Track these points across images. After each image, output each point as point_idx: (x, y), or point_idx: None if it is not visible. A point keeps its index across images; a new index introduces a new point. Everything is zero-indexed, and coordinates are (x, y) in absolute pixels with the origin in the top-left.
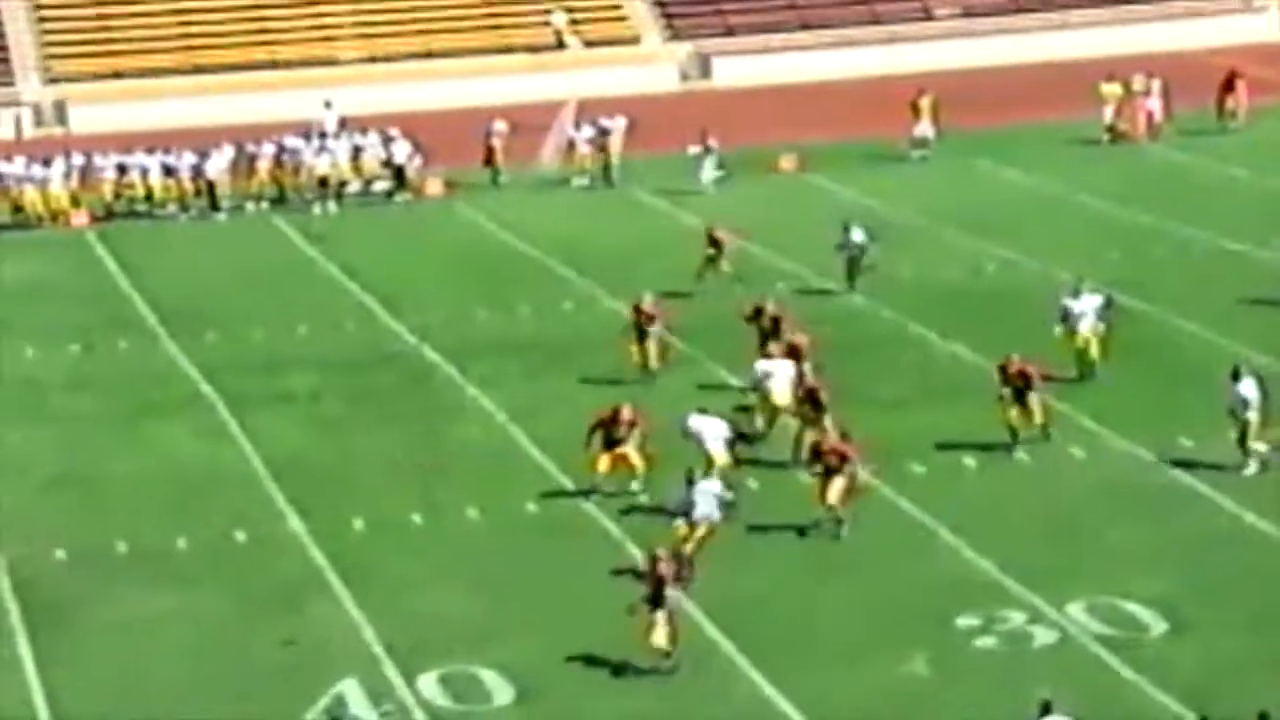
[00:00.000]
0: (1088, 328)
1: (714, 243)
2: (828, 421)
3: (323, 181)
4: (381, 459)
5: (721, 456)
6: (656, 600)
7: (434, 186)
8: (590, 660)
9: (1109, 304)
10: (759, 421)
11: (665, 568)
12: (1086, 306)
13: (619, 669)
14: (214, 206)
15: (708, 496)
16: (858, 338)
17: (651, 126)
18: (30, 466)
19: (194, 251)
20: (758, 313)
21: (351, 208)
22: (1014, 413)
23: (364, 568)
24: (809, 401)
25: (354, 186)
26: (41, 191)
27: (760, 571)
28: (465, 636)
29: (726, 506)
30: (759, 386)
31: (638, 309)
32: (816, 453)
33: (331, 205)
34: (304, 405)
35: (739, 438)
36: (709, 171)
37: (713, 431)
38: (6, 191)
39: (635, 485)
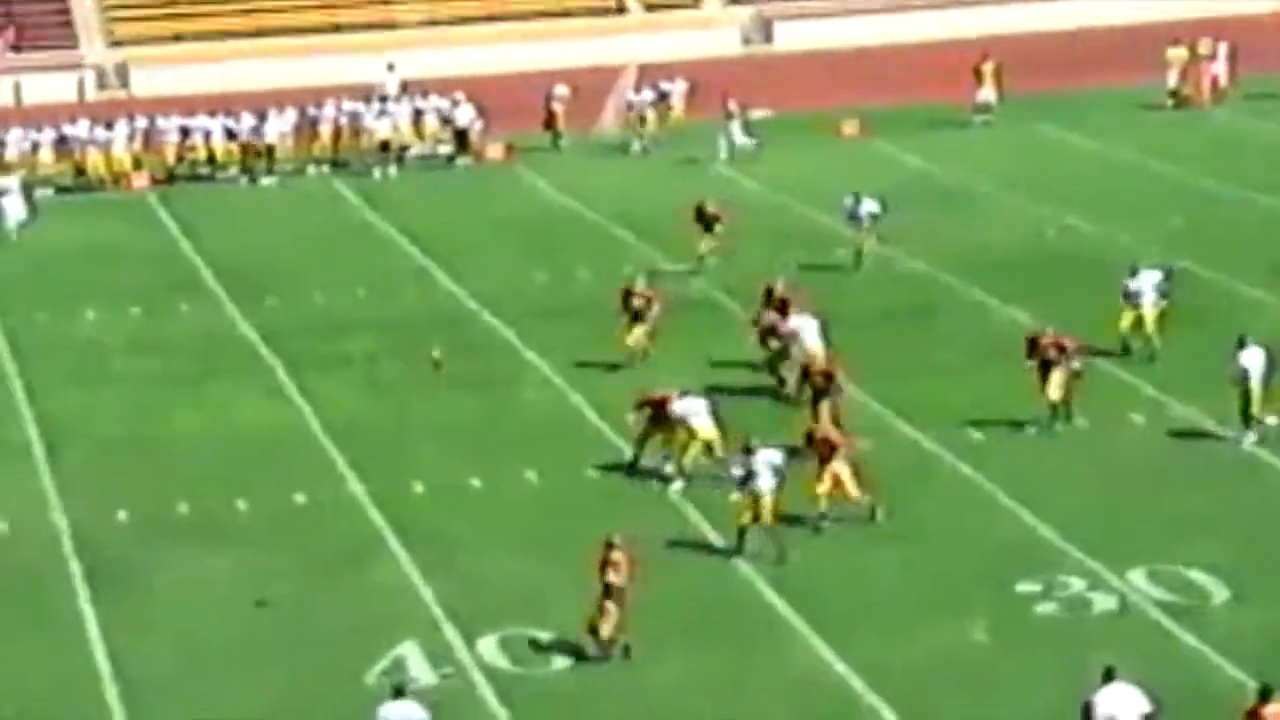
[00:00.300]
0: (1149, 304)
1: (704, 218)
2: (824, 407)
3: (384, 145)
4: (440, 422)
5: (709, 431)
6: (607, 590)
7: (495, 150)
8: (648, 624)
9: (1169, 276)
10: (790, 382)
11: (619, 557)
12: (1145, 283)
13: (677, 633)
14: (270, 170)
15: (766, 466)
16: (917, 303)
17: (712, 91)
18: (92, 429)
19: (255, 215)
20: (768, 293)
21: (412, 171)
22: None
23: (423, 530)
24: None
25: (416, 150)
26: (104, 154)
27: (822, 537)
28: (524, 600)
29: (779, 475)
30: (788, 346)
31: (629, 293)
32: (809, 440)
33: (392, 169)
34: (363, 368)
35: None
36: (738, 137)
37: (695, 408)
38: (70, 154)
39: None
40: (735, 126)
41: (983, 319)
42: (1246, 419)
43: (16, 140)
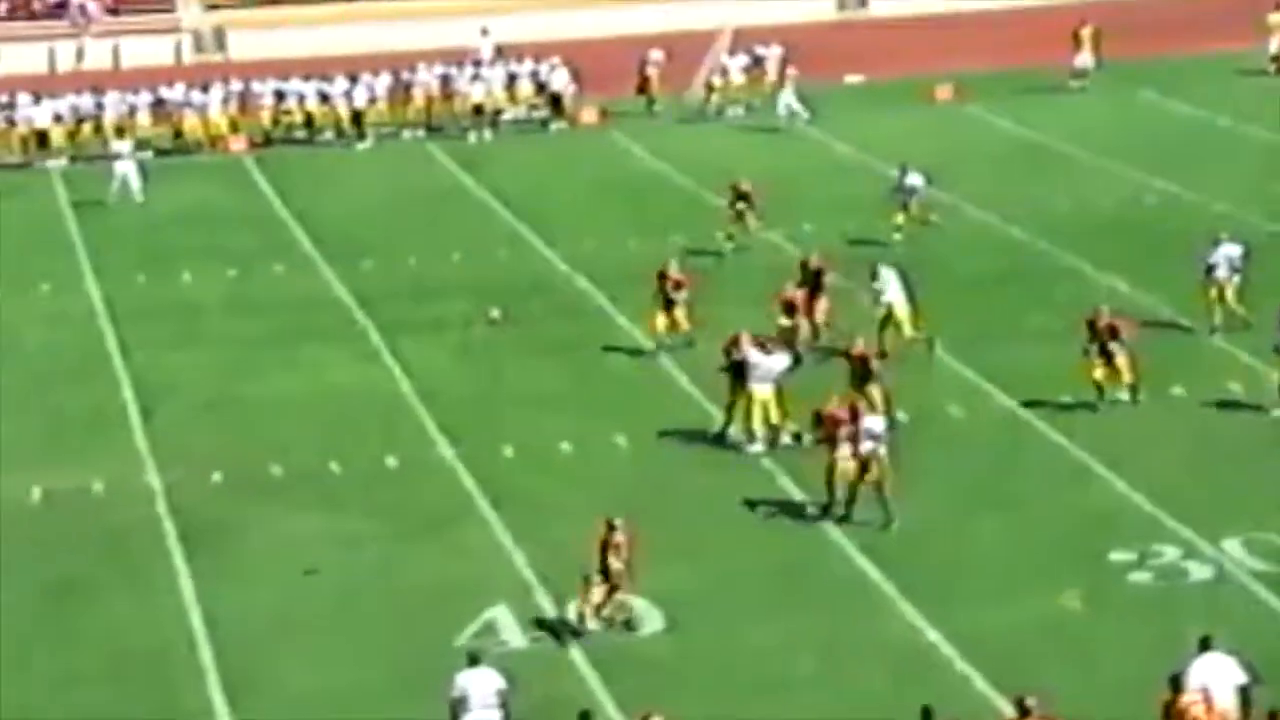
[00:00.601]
0: (1222, 277)
1: (742, 196)
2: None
3: (478, 109)
4: (531, 386)
5: (765, 392)
6: (606, 572)
7: (589, 115)
8: (739, 589)
9: (1246, 255)
10: (885, 342)
11: (620, 539)
12: (1221, 257)
13: (768, 598)
14: (360, 135)
15: (872, 431)
16: (1011, 269)
17: (807, 56)
18: (187, 390)
19: (350, 178)
20: (803, 266)
21: (506, 135)
22: (1100, 370)
23: (514, 494)
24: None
25: (510, 114)
26: (201, 117)
27: (913, 505)
28: None
29: (875, 440)
30: (876, 300)
31: (663, 275)
32: (818, 419)
33: (487, 133)
34: (456, 332)
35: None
36: (793, 105)
37: (766, 365)
38: (167, 117)
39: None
40: (789, 94)
41: (1077, 285)
42: None
43: (114, 103)
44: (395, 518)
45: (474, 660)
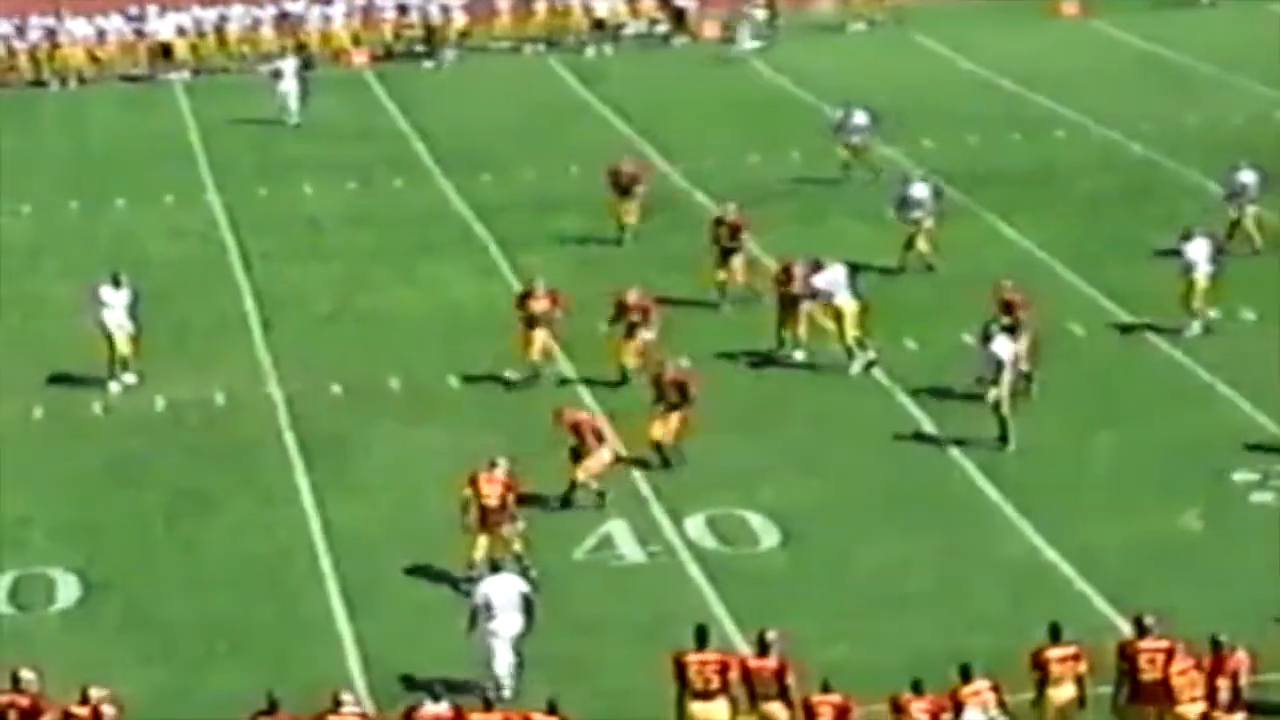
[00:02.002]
0: (1203, 275)
1: (620, 182)
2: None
3: (599, 24)
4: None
5: (852, 304)
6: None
7: (711, 29)
8: (856, 505)
9: (1220, 251)
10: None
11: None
12: (1197, 253)
13: (885, 516)
14: (485, 48)
15: (998, 354)
16: (1134, 185)
17: None
18: (308, 302)
19: (470, 92)
20: (719, 222)
21: (628, 49)
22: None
23: (632, 410)
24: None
25: (632, 28)
26: (323, 31)
27: (1032, 422)
28: (732, 480)
29: (999, 366)
30: (905, 213)
31: (622, 305)
32: (656, 382)
33: (608, 47)
34: (574, 247)
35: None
36: (752, 32)
37: (838, 280)
38: (290, 31)
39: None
40: (756, 14)
41: (1201, 202)
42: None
43: (239, 17)
44: (513, 432)
45: (495, 569)
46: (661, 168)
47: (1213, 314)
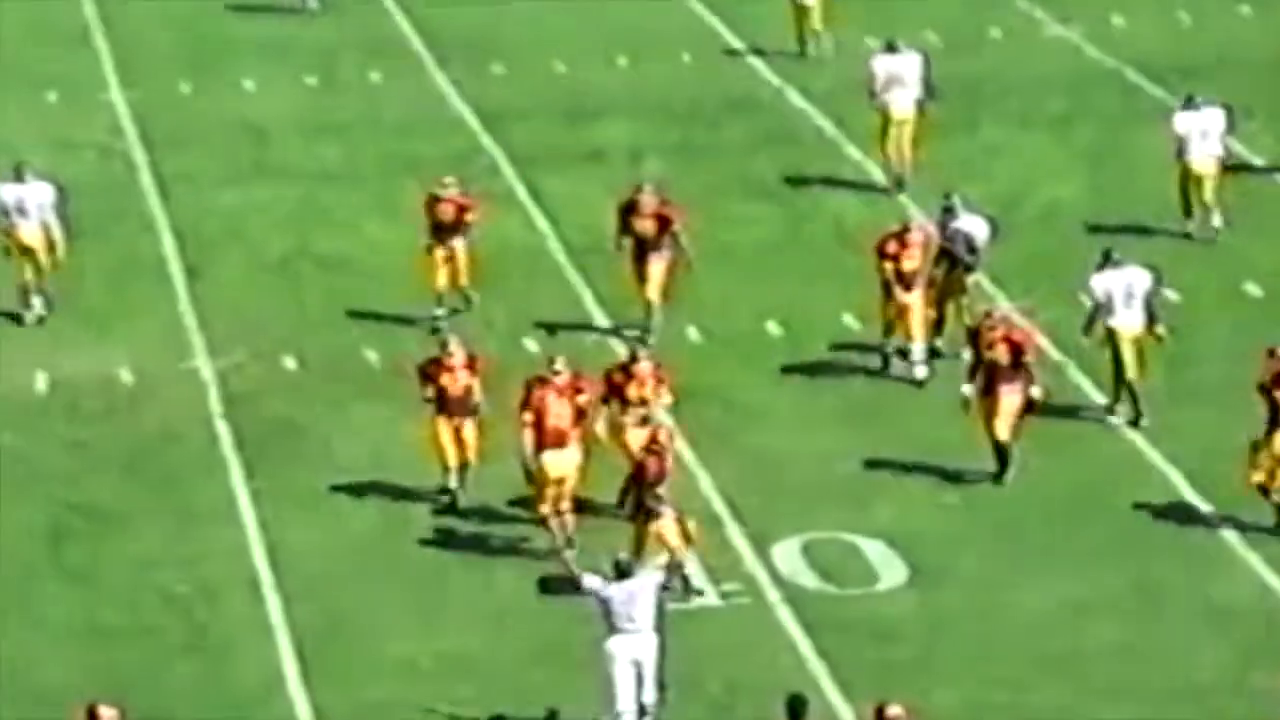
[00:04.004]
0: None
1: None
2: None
3: None
4: (729, 240)
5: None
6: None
7: None
8: (1009, 529)
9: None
10: None
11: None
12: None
13: (1050, 541)
14: None
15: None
16: None
17: None
18: (249, 243)
19: None
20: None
21: None
22: None
23: (699, 392)
24: None
25: None
26: None
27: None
28: (838, 495)
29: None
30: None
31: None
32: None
33: None
34: (620, 167)
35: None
36: None
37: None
38: None
39: None
40: None
41: None
42: None
43: None
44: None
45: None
46: (745, 59)
47: None
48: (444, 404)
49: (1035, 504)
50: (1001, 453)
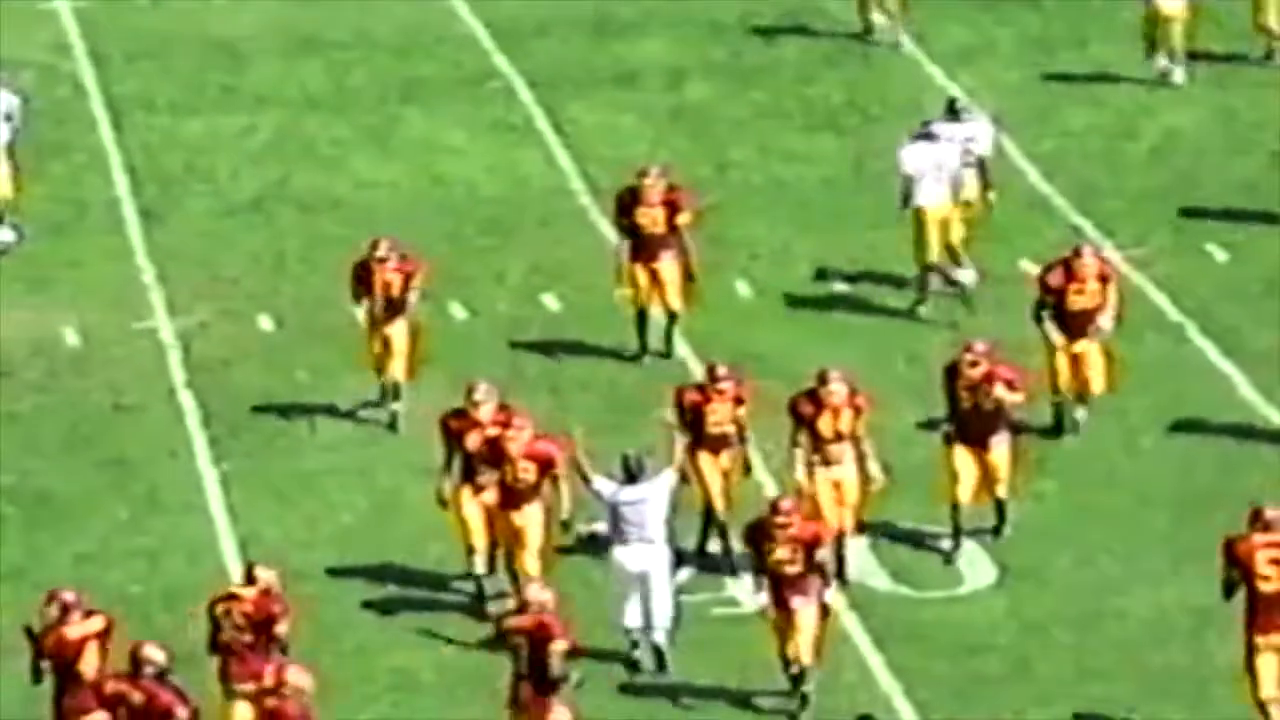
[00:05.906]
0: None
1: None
2: None
3: None
4: (783, 177)
5: None
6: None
7: None
8: (1115, 522)
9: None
10: None
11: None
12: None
13: (1162, 535)
14: None
15: None
16: None
17: None
18: (216, 180)
19: None
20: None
21: None
22: None
23: (742, 356)
24: None
25: None
26: None
27: None
28: (913, 480)
29: None
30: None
31: None
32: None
33: None
34: (656, 92)
35: None
36: None
37: None
38: None
39: None
40: None
41: None
42: None
43: None
44: (560, 393)
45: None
46: None
47: None
48: (470, 470)
49: (1147, 492)
50: (1000, 509)
